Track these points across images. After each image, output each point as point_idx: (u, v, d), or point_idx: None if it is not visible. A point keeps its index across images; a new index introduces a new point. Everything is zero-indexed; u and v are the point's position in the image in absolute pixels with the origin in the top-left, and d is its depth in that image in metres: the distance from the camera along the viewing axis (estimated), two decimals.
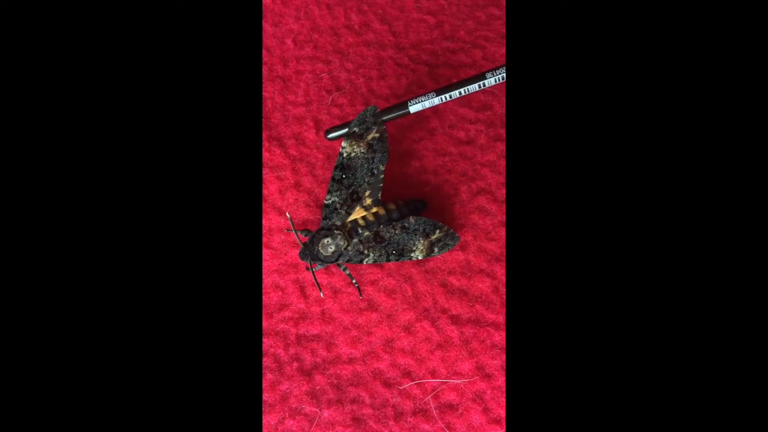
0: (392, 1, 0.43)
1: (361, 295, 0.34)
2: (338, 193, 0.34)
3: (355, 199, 0.34)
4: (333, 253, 0.33)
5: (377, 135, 0.34)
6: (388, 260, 0.33)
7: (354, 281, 0.34)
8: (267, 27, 0.42)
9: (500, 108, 0.39)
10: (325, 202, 0.34)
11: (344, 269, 0.34)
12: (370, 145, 0.34)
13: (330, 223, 0.33)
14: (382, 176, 0.34)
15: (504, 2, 0.42)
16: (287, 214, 0.34)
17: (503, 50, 0.40)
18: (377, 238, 0.33)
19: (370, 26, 0.42)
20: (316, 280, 0.33)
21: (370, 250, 0.33)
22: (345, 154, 0.34)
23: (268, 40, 0.41)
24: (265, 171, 0.37)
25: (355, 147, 0.34)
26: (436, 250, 0.33)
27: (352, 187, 0.34)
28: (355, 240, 0.33)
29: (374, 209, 0.34)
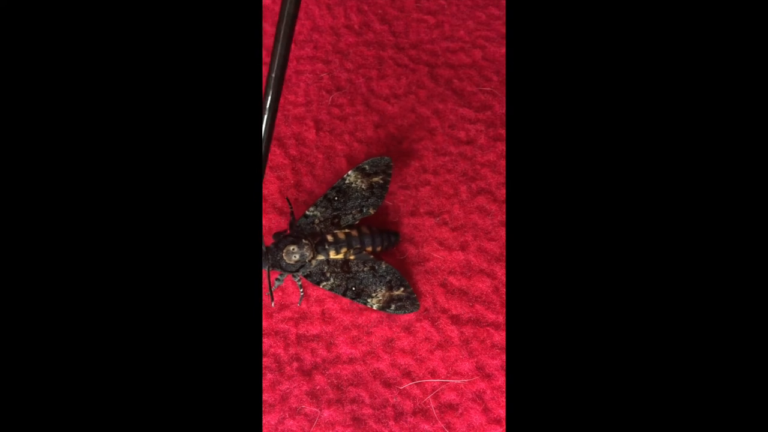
0: (392, 1, 0.43)
1: (300, 303, 0.33)
2: (323, 209, 0.34)
3: (335, 224, 0.34)
4: (296, 262, 0.32)
5: (381, 181, 0.35)
6: (345, 295, 0.33)
7: (301, 292, 0.33)
8: (267, 27, 0.42)
9: (500, 108, 0.39)
10: (307, 212, 0.34)
11: (298, 280, 0.33)
12: (371, 186, 0.35)
13: (300, 231, 0.33)
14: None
15: (504, 2, 0.42)
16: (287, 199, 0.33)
17: (503, 50, 0.40)
18: (344, 267, 0.33)
19: (370, 26, 0.42)
20: (270, 288, 0.32)
21: (333, 275, 0.33)
22: (347, 181, 0.34)
23: (268, 40, 0.41)
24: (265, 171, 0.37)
25: (358, 180, 0.35)
26: (393, 307, 0.33)
27: (338, 212, 0.34)
28: (321, 257, 0.32)
29: (346, 230, 0.33)
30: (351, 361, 0.33)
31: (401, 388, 0.32)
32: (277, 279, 0.33)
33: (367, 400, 0.32)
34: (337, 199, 0.34)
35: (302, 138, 0.38)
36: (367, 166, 0.35)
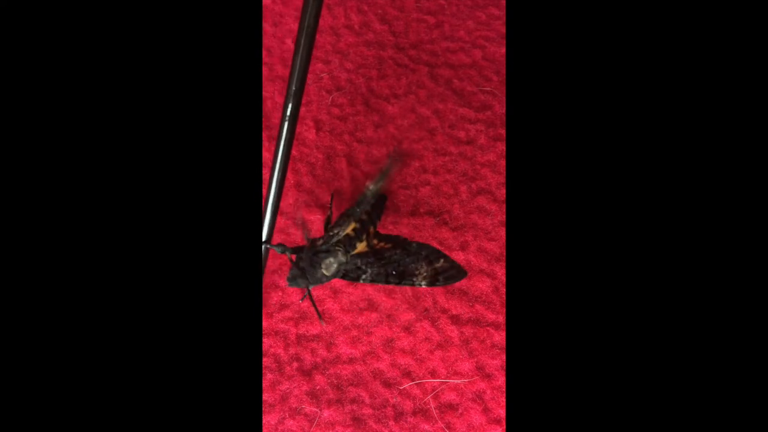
0: (392, 1, 0.43)
1: (322, 321, 0.33)
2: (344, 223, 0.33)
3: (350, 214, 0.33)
4: (338, 270, 0.32)
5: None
6: (387, 282, 0.32)
7: (308, 300, 0.33)
8: (267, 27, 0.42)
9: (500, 108, 0.39)
10: (330, 233, 0.32)
11: (309, 294, 0.33)
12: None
13: (327, 244, 0.32)
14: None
15: (504, 2, 0.42)
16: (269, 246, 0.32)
17: (503, 50, 0.40)
18: (377, 255, 0.33)
19: (370, 26, 0.42)
20: (316, 308, 0.32)
21: (368, 266, 0.32)
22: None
23: (268, 40, 0.41)
24: (265, 171, 0.37)
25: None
26: (441, 279, 0.33)
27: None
28: (351, 252, 0.32)
29: (355, 225, 0.33)
30: (351, 361, 0.33)
31: (401, 388, 0.32)
32: (306, 296, 0.33)
33: (367, 400, 0.32)
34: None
35: (302, 138, 0.38)
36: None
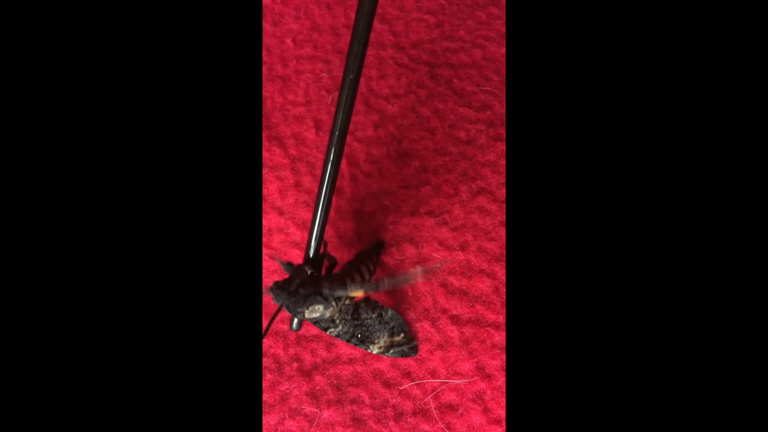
0: (392, 1, 0.43)
1: (263, 334, 0.31)
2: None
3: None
4: (314, 318, 0.30)
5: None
6: (349, 341, 0.32)
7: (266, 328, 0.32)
8: (267, 27, 0.42)
9: (500, 108, 0.39)
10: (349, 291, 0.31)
11: (276, 314, 0.31)
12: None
13: (333, 292, 0.30)
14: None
15: (504, 2, 0.42)
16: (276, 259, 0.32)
17: (503, 50, 0.40)
18: (354, 313, 0.32)
19: None
20: (270, 323, 0.30)
21: (342, 322, 0.32)
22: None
23: (268, 40, 0.41)
24: (265, 171, 0.37)
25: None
26: (391, 351, 0.33)
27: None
28: (338, 307, 0.31)
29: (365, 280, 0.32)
30: (351, 361, 0.33)
31: (401, 388, 0.32)
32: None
33: (367, 401, 0.32)
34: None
35: (302, 138, 0.38)
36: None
